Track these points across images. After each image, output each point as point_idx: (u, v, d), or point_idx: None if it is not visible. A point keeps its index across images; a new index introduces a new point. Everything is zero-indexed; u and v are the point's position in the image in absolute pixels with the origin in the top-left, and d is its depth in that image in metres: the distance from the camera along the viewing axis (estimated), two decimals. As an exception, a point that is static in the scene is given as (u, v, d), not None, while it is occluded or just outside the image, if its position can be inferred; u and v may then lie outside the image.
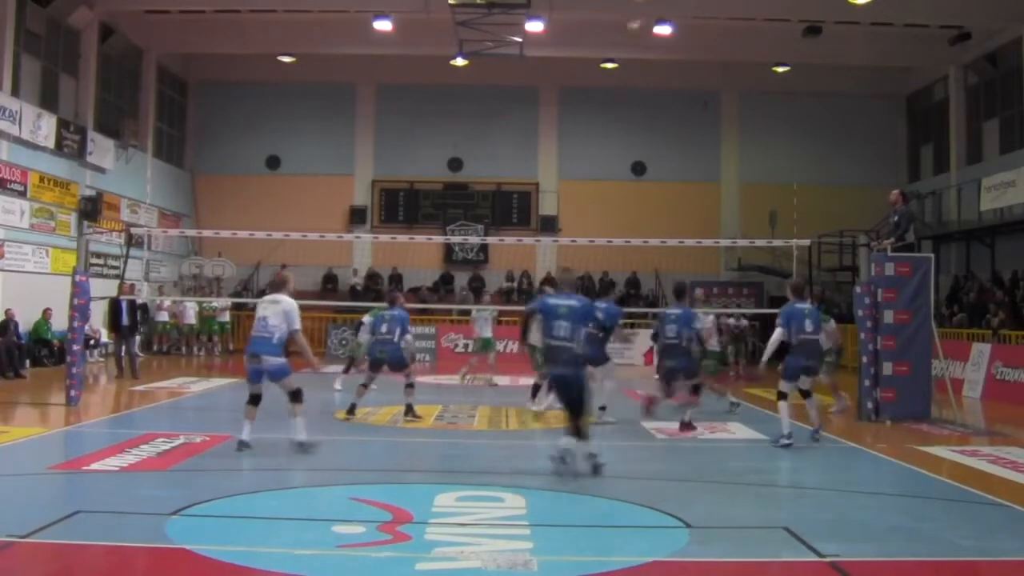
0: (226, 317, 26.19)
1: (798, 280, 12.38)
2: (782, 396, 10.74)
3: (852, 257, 25.07)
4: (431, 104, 29.65)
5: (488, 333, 18.19)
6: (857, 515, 7.51)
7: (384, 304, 14.15)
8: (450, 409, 13.27)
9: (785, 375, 10.79)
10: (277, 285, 10.11)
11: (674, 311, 12.02)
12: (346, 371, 16.56)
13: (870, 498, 8.44)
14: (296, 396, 9.59)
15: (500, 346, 20.15)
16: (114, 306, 18.58)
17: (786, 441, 10.46)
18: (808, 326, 10.68)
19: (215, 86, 30.17)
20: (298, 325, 9.64)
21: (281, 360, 9.57)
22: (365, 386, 12.69)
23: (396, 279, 29.23)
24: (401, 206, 30.33)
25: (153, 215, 27.29)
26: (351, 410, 12.50)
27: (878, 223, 22.57)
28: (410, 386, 12.47)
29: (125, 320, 18.56)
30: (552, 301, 9.04)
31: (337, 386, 15.75)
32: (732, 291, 28.83)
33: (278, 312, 9.59)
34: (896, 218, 13.93)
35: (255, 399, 9.64)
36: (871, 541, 6.58)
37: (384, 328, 12.67)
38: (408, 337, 13.06)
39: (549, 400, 13.13)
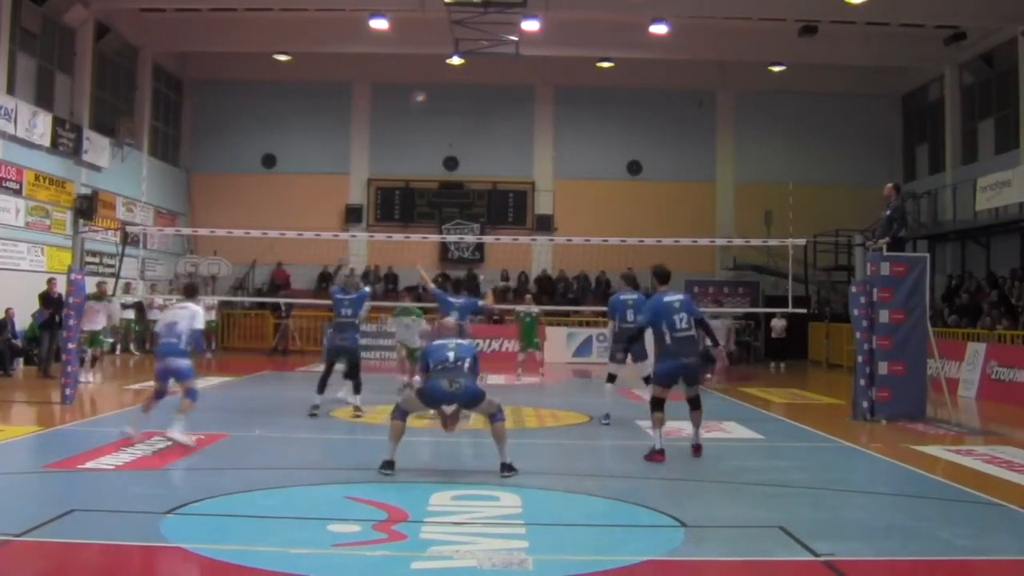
0: (212, 316, 26.11)
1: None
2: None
3: (848, 256, 25.10)
4: (427, 103, 29.61)
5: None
6: (852, 514, 7.52)
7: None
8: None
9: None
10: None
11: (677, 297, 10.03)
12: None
13: (865, 497, 8.45)
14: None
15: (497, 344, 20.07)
16: None
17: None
18: (629, 316, 11.20)
19: (211, 84, 30.11)
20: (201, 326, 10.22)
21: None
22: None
23: (391, 278, 29.21)
24: (397, 205, 30.26)
25: (149, 213, 27.25)
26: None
27: (874, 223, 22.58)
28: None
29: None
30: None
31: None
32: (728, 290, 28.85)
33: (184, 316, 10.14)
34: (888, 212, 13.89)
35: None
36: (866, 540, 6.59)
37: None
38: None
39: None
